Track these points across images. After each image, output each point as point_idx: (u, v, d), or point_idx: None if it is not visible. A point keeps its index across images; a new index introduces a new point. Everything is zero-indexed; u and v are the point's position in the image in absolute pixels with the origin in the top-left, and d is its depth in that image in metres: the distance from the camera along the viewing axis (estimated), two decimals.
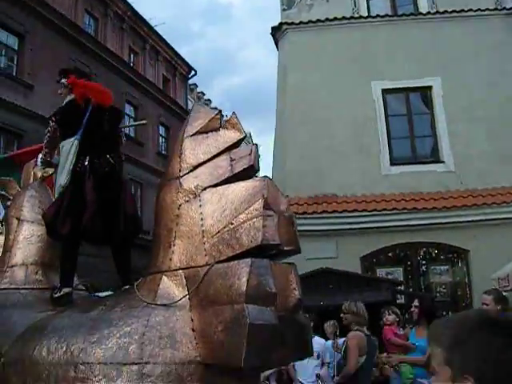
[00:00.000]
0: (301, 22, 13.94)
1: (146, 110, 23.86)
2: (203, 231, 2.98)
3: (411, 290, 12.02)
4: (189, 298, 2.91)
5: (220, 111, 3.34)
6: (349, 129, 12.87)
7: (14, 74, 17.14)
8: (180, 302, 2.91)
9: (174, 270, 3.02)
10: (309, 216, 12.60)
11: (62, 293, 3.49)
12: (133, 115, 23.46)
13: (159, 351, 2.77)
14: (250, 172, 3.08)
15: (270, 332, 2.68)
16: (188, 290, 2.92)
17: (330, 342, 7.85)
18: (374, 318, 7.59)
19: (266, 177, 3.06)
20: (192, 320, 2.86)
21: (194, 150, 3.21)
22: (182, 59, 27.83)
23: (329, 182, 12.72)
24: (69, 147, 3.67)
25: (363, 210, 12.29)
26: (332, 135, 12.79)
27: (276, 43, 14.77)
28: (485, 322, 1.35)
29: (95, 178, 3.58)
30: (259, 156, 3.15)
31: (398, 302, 10.53)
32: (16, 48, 17.27)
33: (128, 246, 3.75)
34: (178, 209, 3.13)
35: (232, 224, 2.91)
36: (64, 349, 2.90)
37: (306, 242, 12.73)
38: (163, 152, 25.57)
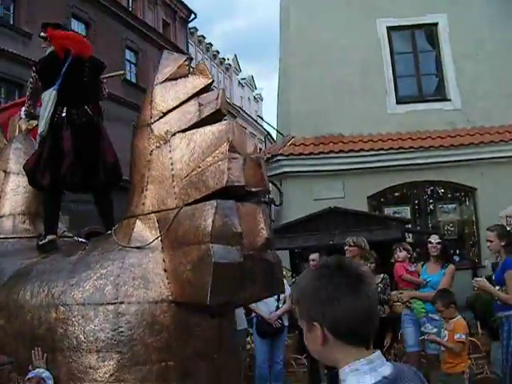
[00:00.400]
0: None
1: (147, 55, 23.63)
2: (173, 175, 3.10)
3: (419, 228, 12.13)
4: (160, 240, 3.06)
5: (188, 57, 3.40)
6: (354, 68, 12.69)
7: (12, 22, 17.01)
8: (152, 244, 3.06)
9: (147, 214, 3.17)
10: (315, 156, 12.62)
11: (46, 240, 3.66)
12: (133, 61, 23.28)
13: (133, 291, 2.95)
14: (217, 116, 3.17)
15: (235, 270, 2.83)
16: (160, 233, 3.07)
17: None
18: (384, 257, 7.74)
19: (231, 120, 3.14)
20: (164, 261, 3.02)
21: (163, 96, 3.29)
22: (182, 2, 27.27)
23: (335, 122, 12.66)
24: (47, 98, 3.76)
25: (369, 150, 12.27)
26: (337, 75, 12.62)
27: None
28: (321, 271, 1.45)
29: (72, 128, 3.69)
30: (226, 100, 3.22)
31: (406, 240, 10.65)
32: None
33: (108, 193, 3.88)
34: (150, 154, 3.24)
35: (200, 167, 3.02)
36: (46, 292, 3.10)
37: (312, 183, 12.86)
38: None
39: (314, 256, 7.21)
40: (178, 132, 3.18)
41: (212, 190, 2.93)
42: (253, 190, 3.08)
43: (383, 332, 5.84)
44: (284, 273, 9.43)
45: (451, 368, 4.74)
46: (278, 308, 6.96)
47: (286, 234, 12.25)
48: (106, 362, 2.86)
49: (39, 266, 3.37)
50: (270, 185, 15.34)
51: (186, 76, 3.32)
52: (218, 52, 36.31)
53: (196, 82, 3.26)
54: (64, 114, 3.72)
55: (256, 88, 46.16)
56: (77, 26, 18.58)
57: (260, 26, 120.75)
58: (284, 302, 7.03)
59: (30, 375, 3.00)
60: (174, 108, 3.25)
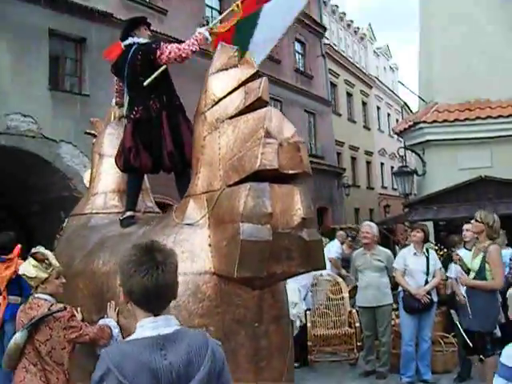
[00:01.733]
0: None
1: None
2: (219, 159, 3.55)
3: None
4: (208, 218, 3.53)
5: (237, 49, 3.77)
6: (501, 27, 12.07)
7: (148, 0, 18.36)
8: (200, 221, 3.55)
9: (199, 194, 3.66)
10: (460, 123, 12.35)
11: (125, 216, 4.33)
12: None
13: (181, 263, 3.44)
14: (260, 103, 3.53)
15: (263, 247, 3.21)
16: (207, 211, 3.54)
17: None
18: None
19: (270, 107, 3.49)
20: (209, 237, 3.49)
21: (215, 86, 3.74)
22: None
23: (481, 87, 12.17)
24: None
25: None
26: (482, 35, 12.10)
27: None
28: (134, 248, 1.99)
29: (133, 124, 4.38)
30: (268, 87, 3.56)
31: None
32: None
33: (185, 173, 4.41)
34: (204, 140, 3.72)
35: (240, 152, 3.43)
36: (113, 261, 3.73)
37: (458, 151, 12.61)
38: (301, 69, 25.79)
39: (467, 226, 6.98)
40: (227, 119, 3.60)
41: (248, 173, 3.32)
42: (290, 172, 3.42)
43: None
44: (431, 245, 9.46)
45: None
46: (427, 282, 6.93)
47: (431, 204, 12.15)
48: None
49: (114, 238, 4.05)
50: (413, 154, 15.15)
51: (235, 66, 3.71)
52: (351, 21, 35.96)
53: (243, 73, 3.64)
54: (128, 113, 4.45)
55: (391, 57, 44.83)
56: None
57: None
58: (433, 276, 7.03)
59: (99, 322, 3.69)
60: (224, 97, 3.67)
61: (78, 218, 4.99)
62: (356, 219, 28.75)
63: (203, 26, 4.85)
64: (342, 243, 11.37)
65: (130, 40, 4.59)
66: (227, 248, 3.28)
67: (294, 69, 25.53)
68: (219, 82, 3.73)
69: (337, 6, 33.46)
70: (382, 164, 38.09)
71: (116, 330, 3.66)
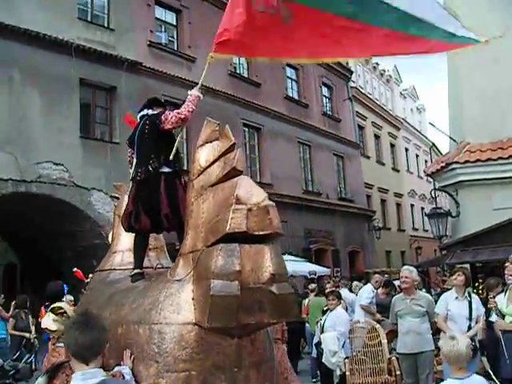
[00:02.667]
0: None
1: (307, 71, 24.59)
2: (202, 222, 4.07)
3: None
4: (192, 275, 4.03)
5: (218, 124, 4.31)
6: None
7: (176, 48, 19.06)
8: (187, 277, 4.06)
9: (187, 254, 4.17)
10: (493, 163, 12.44)
11: (133, 272, 4.90)
12: (294, 77, 24.53)
13: (169, 315, 3.96)
14: (235, 172, 4.03)
15: (232, 301, 3.67)
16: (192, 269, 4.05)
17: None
18: None
19: (241, 176, 3.99)
20: (193, 291, 3.98)
21: (201, 157, 4.28)
22: None
23: None
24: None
25: None
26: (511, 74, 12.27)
27: None
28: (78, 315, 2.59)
29: (136, 186, 4.97)
30: (243, 158, 4.07)
31: None
32: (174, 23, 19.21)
33: (178, 233, 4.89)
34: (192, 205, 4.25)
35: (218, 216, 3.93)
36: (118, 312, 4.28)
37: (491, 191, 12.69)
38: (328, 112, 26.21)
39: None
40: (209, 187, 4.12)
41: (221, 235, 3.81)
42: (260, 233, 3.88)
43: None
44: (469, 289, 9.42)
45: None
46: (469, 328, 6.96)
47: (468, 246, 12.17)
48: (148, 368, 3.92)
49: (121, 292, 4.61)
50: (444, 195, 15.15)
51: (216, 139, 4.25)
52: (377, 64, 36.43)
53: (221, 145, 4.18)
54: (134, 174, 5.03)
55: (418, 98, 44.84)
56: None
57: None
58: (476, 322, 7.01)
59: (115, 368, 4.19)
60: (208, 166, 4.20)
61: (99, 273, 5.64)
62: (388, 262, 28.63)
63: (230, 72, 5.47)
64: (378, 288, 11.25)
65: (143, 112, 5.29)
66: (203, 301, 3.76)
67: (322, 112, 26.09)
68: (204, 154, 4.28)
69: None
70: (412, 206, 38.05)
71: (128, 377, 4.15)
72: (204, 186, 4.17)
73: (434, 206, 16.52)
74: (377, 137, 34.07)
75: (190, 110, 5.00)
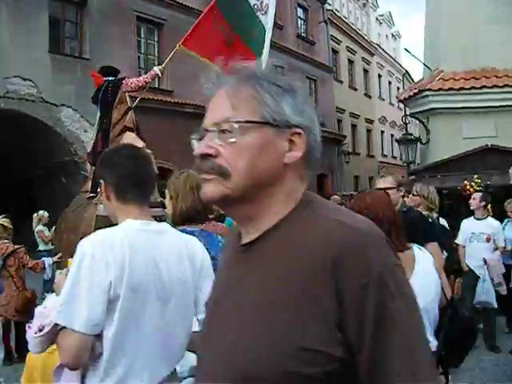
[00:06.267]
0: None
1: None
2: None
3: None
4: None
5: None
6: None
7: None
8: None
9: None
10: (466, 92, 12.25)
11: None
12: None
13: None
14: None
15: None
16: None
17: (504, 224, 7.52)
18: None
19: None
20: None
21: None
22: None
23: (488, 55, 12.03)
24: None
25: None
26: (492, 3, 11.91)
27: None
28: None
29: (102, 132, 6.81)
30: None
31: None
32: None
33: None
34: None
35: None
36: None
37: (462, 120, 12.50)
38: (303, 34, 25.54)
39: (477, 195, 7.36)
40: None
41: None
42: None
43: None
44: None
45: None
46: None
47: (436, 172, 12.17)
48: None
49: None
50: (414, 122, 14.93)
51: None
52: None
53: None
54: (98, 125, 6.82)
55: (394, 25, 43.93)
56: None
57: None
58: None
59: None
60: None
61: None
62: (356, 187, 28.80)
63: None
64: None
65: (109, 78, 6.85)
66: None
67: (296, 35, 25.30)
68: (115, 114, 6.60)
69: None
70: (382, 132, 37.87)
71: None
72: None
73: (404, 132, 16.37)
74: (350, 61, 33.24)
75: (147, 80, 6.79)
